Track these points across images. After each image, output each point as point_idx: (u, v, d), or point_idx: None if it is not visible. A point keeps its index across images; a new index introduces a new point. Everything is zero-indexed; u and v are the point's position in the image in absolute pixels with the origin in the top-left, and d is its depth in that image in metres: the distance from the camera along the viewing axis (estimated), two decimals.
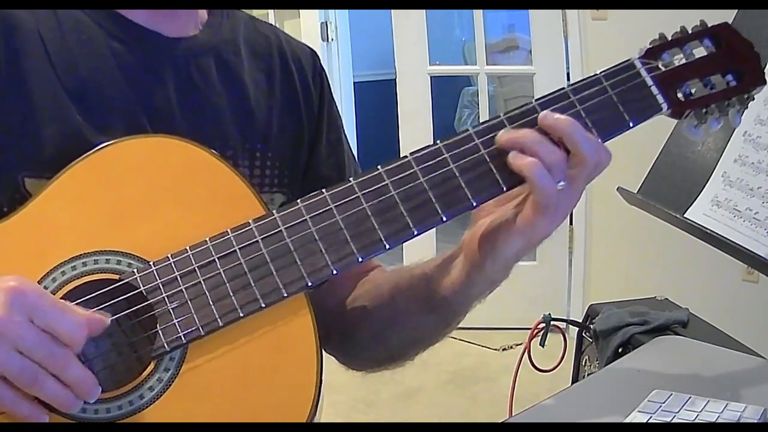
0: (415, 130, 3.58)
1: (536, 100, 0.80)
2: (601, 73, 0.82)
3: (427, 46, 3.59)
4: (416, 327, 0.91)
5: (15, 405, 0.66)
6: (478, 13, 3.54)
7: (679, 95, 0.82)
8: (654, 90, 0.81)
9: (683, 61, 0.83)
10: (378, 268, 0.99)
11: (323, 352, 0.79)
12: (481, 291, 0.85)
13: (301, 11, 3.81)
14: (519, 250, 0.81)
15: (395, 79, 3.67)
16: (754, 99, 0.85)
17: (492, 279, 0.84)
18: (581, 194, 0.79)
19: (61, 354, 0.66)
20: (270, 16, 3.85)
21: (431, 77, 3.62)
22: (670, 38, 0.84)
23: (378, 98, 4.21)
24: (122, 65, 0.84)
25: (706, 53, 0.84)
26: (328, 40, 3.81)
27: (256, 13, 3.69)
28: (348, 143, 1.03)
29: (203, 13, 0.93)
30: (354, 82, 4.08)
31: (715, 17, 0.86)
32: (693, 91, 0.83)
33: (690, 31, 0.84)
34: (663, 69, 0.82)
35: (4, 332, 0.64)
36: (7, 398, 0.66)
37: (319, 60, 1.02)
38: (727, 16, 0.99)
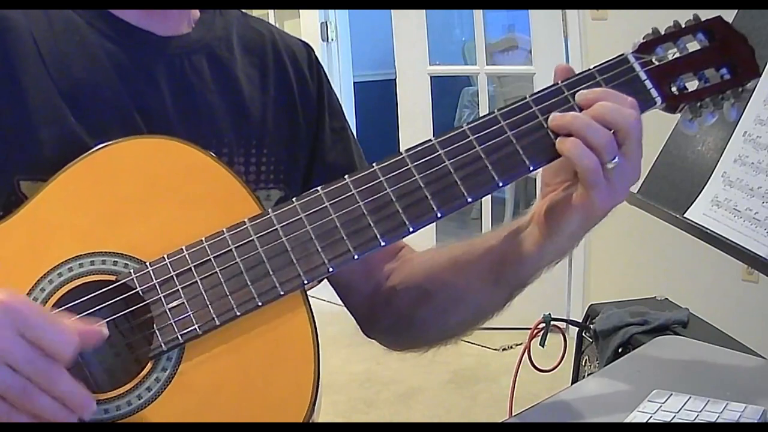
0: (415, 130, 3.58)
1: (530, 96, 0.80)
2: (594, 68, 0.82)
3: (427, 46, 3.59)
4: (480, 301, 0.92)
5: (10, 418, 0.65)
6: (478, 13, 3.54)
7: (673, 89, 0.82)
8: (648, 84, 0.81)
9: (677, 55, 0.83)
10: (406, 247, 1.00)
11: (319, 350, 0.78)
12: (550, 260, 0.88)
13: (301, 11, 3.81)
14: (582, 224, 0.83)
15: (395, 79, 3.67)
16: (748, 92, 0.85)
17: (562, 249, 0.86)
18: (639, 167, 0.80)
19: (49, 369, 0.65)
20: (270, 16, 3.85)
21: (431, 77, 3.62)
22: (663, 32, 0.84)
23: (378, 98, 4.21)
24: (115, 65, 0.84)
25: (699, 47, 0.84)
26: (328, 40, 3.81)
27: (257, 13, 3.70)
28: (353, 133, 1.03)
29: (195, 11, 0.93)
30: (354, 82, 4.09)
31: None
32: (687, 84, 0.83)
33: (683, 26, 0.84)
34: (656, 63, 0.82)
35: None
36: (2, 411, 0.65)
37: (314, 53, 1.02)
38: (727, 16, 0.98)
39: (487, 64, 3.68)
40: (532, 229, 0.85)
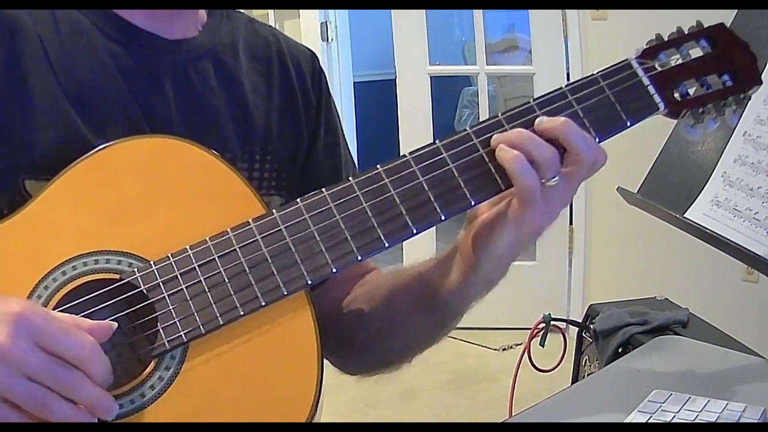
0: (415, 130, 3.58)
1: (534, 99, 0.80)
2: (598, 73, 0.82)
3: (427, 46, 3.59)
4: (414, 329, 0.91)
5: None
6: (478, 13, 3.54)
7: (676, 95, 0.83)
8: (651, 90, 0.82)
9: (680, 61, 0.84)
10: (375, 271, 0.99)
11: (323, 350, 0.79)
12: (478, 291, 0.86)
13: (301, 11, 3.81)
14: (512, 246, 0.81)
15: (395, 79, 3.67)
16: (750, 99, 0.85)
17: (488, 278, 0.84)
18: (575, 192, 0.80)
19: (72, 377, 0.66)
20: (270, 16, 3.85)
21: (431, 77, 3.62)
22: (666, 39, 0.84)
23: (378, 98, 4.21)
24: (121, 68, 0.84)
25: (702, 54, 0.84)
26: (328, 40, 3.81)
27: (256, 13, 3.70)
28: (346, 148, 1.03)
29: (202, 15, 0.93)
30: (354, 82, 4.08)
31: (714, 17, 0.86)
32: (689, 91, 0.83)
33: (686, 32, 0.85)
34: (660, 69, 0.83)
35: (8, 358, 0.63)
36: (13, 420, 0.65)
37: (319, 62, 1.02)
38: (727, 15, 0.99)
39: (487, 64, 3.68)
40: (457, 258, 0.85)
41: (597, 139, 0.80)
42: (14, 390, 0.64)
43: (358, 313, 0.93)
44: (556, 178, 0.76)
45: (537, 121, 0.79)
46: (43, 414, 0.65)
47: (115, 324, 0.71)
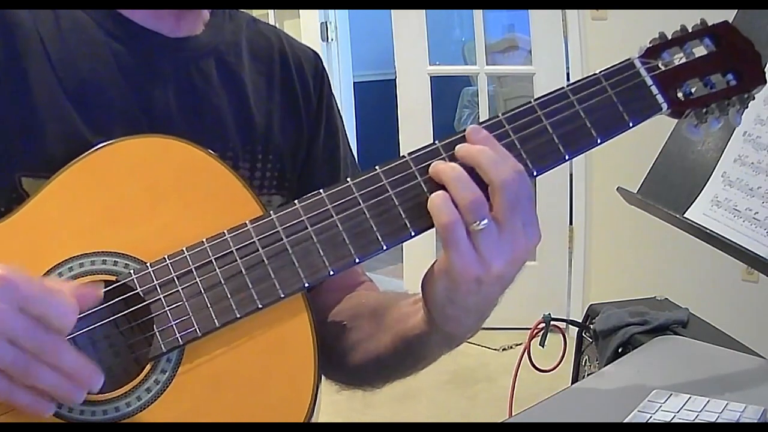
0: (415, 130, 3.59)
1: (535, 99, 0.80)
2: (600, 72, 0.81)
3: (427, 46, 3.59)
4: (381, 358, 0.87)
5: (12, 394, 0.65)
6: (478, 13, 3.54)
7: (679, 95, 0.82)
8: (654, 89, 0.81)
9: (683, 60, 0.83)
10: (365, 284, 0.98)
11: (319, 352, 0.78)
12: (437, 341, 0.81)
13: (301, 11, 3.81)
14: (450, 294, 0.74)
15: (395, 79, 3.67)
16: (754, 98, 0.85)
17: (444, 331, 0.79)
18: (522, 239, 0.72)
19: (51, 341, 0.64)
20: (270, 16, 3.85)
21: (431, 77, 3.62)
22: (670, 37, 0.83)
23: (378, 98, 4.21)
24: (122, 66, 0.84)
25: (706, 52, 0.83)
26: (328, 41, 3.81)
27: (256, 13, 3.69)
28: (348, 148, 1.02)
29: (205, 14, 0.93)
30: (354, 82, 4.09)
31: (715, 17, 0.86)
32: (693, 90, 0.82)
33: (690, 30, 0.84)
34: (663, 68, 0.82)
35: None
36: (2, 386, 0.64)
37: (322, 63, 1.02)
38: (727, 15, 0.98)
39: (487, 64, 3.68)
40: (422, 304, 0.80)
41: (599, 140, 0.79)
42: (1, 355, 0.63)
43: (338, 326, 0.92)
44: (485, 220, 0.70)
45: (457, 147, 0.74)
46: (30, 380, 0.64)
47: (101, 293, 0.69)
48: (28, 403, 0.66)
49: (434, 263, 0.76)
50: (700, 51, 0.83)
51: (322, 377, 0.95)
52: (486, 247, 0.71)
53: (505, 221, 0.71)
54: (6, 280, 0.64)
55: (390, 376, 0.90)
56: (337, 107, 1.03)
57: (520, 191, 0.71)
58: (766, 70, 0.85)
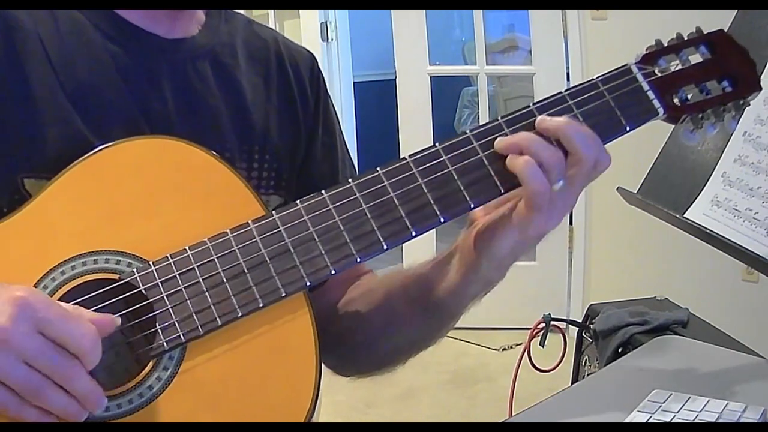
0: (415, 130, 3.58)
1: (534, 104, 0.81)
2: (597, 77, 0.82)
3: (427, 46, 3.59)
4: (410, 331, 0.91)
5: (20, 411, 0.66)
6: (478, 13, 3.54)
7: (675, 100, 0.83)
8: (651, 95, 0.82)
9: (679, 67, 0.84)
10: (369, 273, 0.99)
11: (321, 351, 0.78)
12: (476, 292, 0.85)
13: (301, 11, 3.81)
14: (515, 248, 0.81)
15: (395, 79, 3.67)
16: (749, 105, 0.86)
17: (488, 279, 0.84)
18: (579, 195, 0.80)
19: (68, 366, 0.66)
20: (270, 16, 3.85)
21: (431, 77, 3.62)
22: (666, 44, 0.85)
23: (378, 98, 4.22)
24: (119, 67, 0.84)
25: (701, 59, 0.84)
26: (328, 40, 3.81)
27: (256, 13, 3.70)
28: (344, 149, 1.03)
29: (201, 15, 0.93)
30: (354, 82, 4.08)
31: (714, 17, 0.86)
32: (689, 96, 0.83)
33: (686, 38, 0.85)
34: (659, 74, 0.83)
35: (8, 342, 0.63)
36: (12, 404, 0.65)
37: (317, 64, 1.02)
38: (727, 15, 0.99)
39: (487, 64, 3.68)
40: (457, 258, 0.85)
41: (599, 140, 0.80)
42: (10, 374, 0.64)
43: (354, 315, 0.93)
44: (561, 181, 0.76)
45: (539, 119, 0.78)
46: (38, 400, 0.65)
47: (119, 320, 0.71)
48: (33, 419, 0.67)
49: (492, 222, 0.81)
50: (695, 58, 0.85)
51: (352, 375, 0.98)
52: (559, 206, 0.78)
53: (578, 184, 0.78)
54: (26, 301, 0.65)
55: (422, 346, 0.93)
56: (334, 108, 1.03)
57: (599, 160, 0.78)
58: (766, 71, 0.85)
